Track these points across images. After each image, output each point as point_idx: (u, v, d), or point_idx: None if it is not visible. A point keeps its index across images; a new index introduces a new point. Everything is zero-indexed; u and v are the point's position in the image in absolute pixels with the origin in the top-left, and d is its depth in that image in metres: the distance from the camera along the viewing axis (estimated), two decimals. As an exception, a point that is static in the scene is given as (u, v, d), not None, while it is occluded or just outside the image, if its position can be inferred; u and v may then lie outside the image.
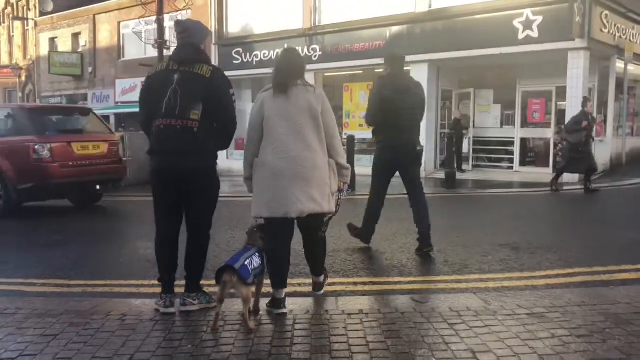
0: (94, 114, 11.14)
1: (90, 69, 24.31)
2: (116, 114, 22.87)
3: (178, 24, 3.88)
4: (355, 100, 16.26)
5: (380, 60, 15.35)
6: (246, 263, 3.40)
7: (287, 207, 3.59)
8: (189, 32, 3.79)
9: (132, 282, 4.74)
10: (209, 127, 3.66)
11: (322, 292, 4.09)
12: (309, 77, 17.17)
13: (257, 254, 3.57)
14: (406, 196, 5.69)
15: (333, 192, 3.80)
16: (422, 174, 15.04)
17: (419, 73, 14.83)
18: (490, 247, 5.65)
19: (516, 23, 13.20)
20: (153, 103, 3.67)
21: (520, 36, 13.14)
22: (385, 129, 5.43)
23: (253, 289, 3.48)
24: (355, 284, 4.47)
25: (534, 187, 11.92)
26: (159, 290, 3.88)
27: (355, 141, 17.12)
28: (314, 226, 3.80)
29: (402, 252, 5.58)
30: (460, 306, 3.65)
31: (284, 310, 3.62)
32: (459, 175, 13.37)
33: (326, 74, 17.40)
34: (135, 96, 22.27)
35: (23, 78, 28.57)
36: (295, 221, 3.75)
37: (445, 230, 6.88)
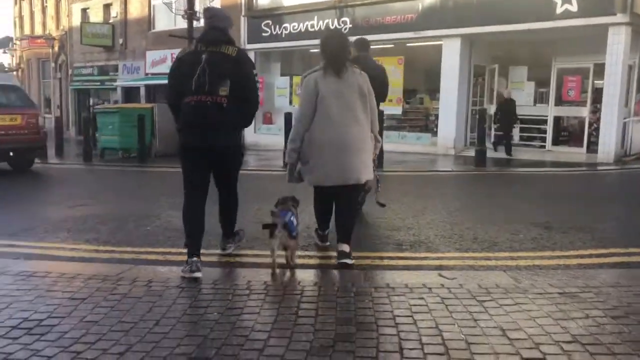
0: (22, 90, 12.51)
1: (121, 40, 24.41)
2: (146, 86, 23.01)
3: (207, 10, 4.28)
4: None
5: (411, 34, 15.17)
6: (292, 219, 3.94)
7: (346, 175, 4.08)
8: (217, 17, 4.14)
9: (159, 249, 4.78)
10: (235, 103, 3.94)
11: (349, 261, 4.11)
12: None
13: (293, 216, 4.01)
14: (432, 173, 5.61)
15: (371, 161, 4.31)
16: (452, 152, 14.93)
17: (451, 48, 14.55)
18: (521, 226, 5.51)
19: (555, -4, 12.75)
20: (183, 82, 3.91)
21: (559, 10, 12.69)
22: None
23: (296, 240, 4.02)
24: (382, 258, 4.41)
25: (567, 166, 11.63)
26: (185, 258, 3.92)
27: (384, 117, 17.05)
28: (355, 192, 4.32)
29: (429, 228, 5.48)
30: (490, 283, 3.57)
31: (327, 244, 4.66)
32: (490, 154, 13.14)
33: (356, 48, 17.13)
34: (164, 68, 22.38)
35: (56, 48, 28.85)
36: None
37: (475, 208, 6.76)
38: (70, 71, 27.55)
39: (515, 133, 15.09)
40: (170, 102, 4.13)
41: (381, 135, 9.47)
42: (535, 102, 14.99)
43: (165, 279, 3.77)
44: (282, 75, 19.24)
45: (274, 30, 18.42)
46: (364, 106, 4.14)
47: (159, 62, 22.33)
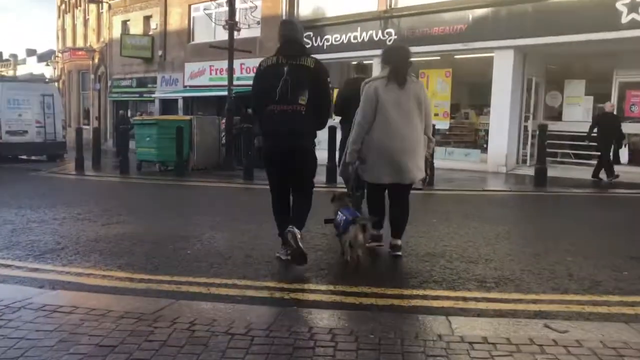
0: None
1: (160, 52, 24.34)
2: (184, 98, 22.80)
3: (285, 22, 4.82)
4: (432, 88, 15.28)
5: (460, 46, 14.43)
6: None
7: (403, 175, 4.58)
8: (296, 28, 4.56)
9: (202, 279, 4.16)
10: (312, 110, 4.34)
11: (400, 253, 4.77)
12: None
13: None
14: (489, 193, 4.92)
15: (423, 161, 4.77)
16: (503, 169, 14.08)
17: (503, 60, 13.76)
18: (619, 260, 4.72)
19: (619, 5, 11.88)
20: (266, 92, 4.33)
21: (624, 20, 11.82)
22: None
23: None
24: (465, 299, 3.69)
25: (636, 187, 10.68)
26: (230, 291, 3.84)
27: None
28: (408, 190, 4.79)
29: (511, 260, 4.75)
30: (615, 340, 2.83)
31: (380, 244, 5.01)
32: (523, 171, 12.23)
33: (401, 60, 16.48)
34: (203, 80, 22.19)
35: (96, 60, 29.09)
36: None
37: (553, 235, 5.98)
38: (109, 82, 27.64)
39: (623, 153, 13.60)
40: (255, 109, 4.68)
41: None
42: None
43: (210, 321, 3.14)
44: (322, 88, 18.69)
45: (316, 42, 17.93)
46: (419, 113, 4.62)
47: (197, 74, 22.12)
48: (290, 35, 4.49)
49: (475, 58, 14.96)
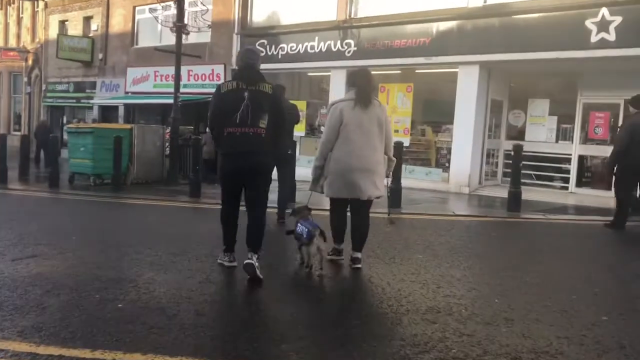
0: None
1: (100, 56, 22.70)
2: (125, 105, 21.26)
3: (247, 50, 5.05)
4: (392, 103, 14.55)
5: (423, 60, 13.78)
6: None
7: (362, 191, 4.88)
8: (252, 58, 4.84)
9: (136, 355, 3.03)
10: (271, 132, 4.70)
11: (360, 265, 5.09)
12: (341, 75, 15.48)
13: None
14: (464, 218, 3.97)
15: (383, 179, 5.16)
16: (465, 190, 13.47)
17: (468, 76, 13.18)
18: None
19: (589, 23, 11.47)
20: (226, 115, 4.60)
21: (593, 39, 11.41)
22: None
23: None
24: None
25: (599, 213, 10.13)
26: None
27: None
28: (366, 205, 5.06)
29: (537, 322, 3.82)
30: None
31: (341, 258, 5.28)
32: (486, 192, 11.64)
33: (359, 72, 15.69)
34: (146, 86, 20.73)
35: (30, 62, 27.01)
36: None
37: (569, 277, 5.14)
38: (43, 86, 25.66)
39: (534, 171, 13.64)
40: (215, 131, 4.85)
41: (400, 167, 9.35)
42: (557, 138, 13.63)
43: None
44: (275, 99, 17.70)
45: (270, 51, 16.93)
46: (380, 134, 4.96)
47: (140, 80, 20.68)
48: (251, 62, 4.80)
49: (438, 73, 14.35)
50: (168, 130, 15.03)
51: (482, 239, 7.46)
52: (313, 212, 5.18)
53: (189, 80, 18.91)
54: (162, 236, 6.40)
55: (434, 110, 15.74)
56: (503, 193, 13.06)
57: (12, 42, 28.99)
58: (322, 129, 13.05)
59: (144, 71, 20.42)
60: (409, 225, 8.00)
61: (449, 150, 13.96)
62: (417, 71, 14.61)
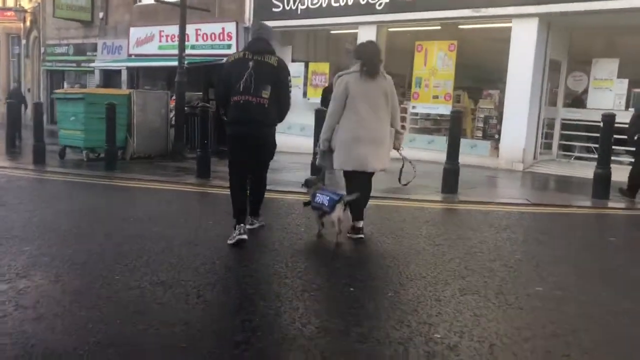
0: None
1: (101, 14, 20.72)
2: (128, 68, 19.36)
3: (256, 22, 5.88)
4: (430, 64, 12.54)
5: (469, 12, 11.72)
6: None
7: (366, 163, 4.92)
8: (264, 29, 5.03)
9: None
10: (274, 104, 4.79)
11: (362, 235, 5.06)
12: (370, 32, 13.45)
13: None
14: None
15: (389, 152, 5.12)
16: (519, 166, 11.59)
17: (524, 31, 11.11)
18: None
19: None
20: (232, 83, 4.73)
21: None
22: None
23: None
24: None
25: None
26: None
27: (418, 116, 13.63)
28: (370, 178, 5.12)
29: None
30: None
31: (362, 236, 5.05)
32: (542, 169, 9.75)
33: (392, 29, 13.64)
34: (151, 48, 18.79)
35: (28, 23, 25.12)
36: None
37: None
38: (42, 49, 23.80)
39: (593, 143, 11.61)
40: (220, 99, 5.00)
41: (457, 140, 8.01)
42: (627, 105, 11.58)
43: None
44: (293, 60, 15.71)
45: (287, 5, 14.90)
46: (386, 106, 4.96)
47: (144, 41, 18.73)
48: (259, 33, 4.93)
49: (487, 29, 12.29)
50: (173, 97, 13.29)
51: (610, 251, 5.48)
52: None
53: (197, 40, 16.96)
54: (151, 249, 4.60)
55: (477, 74, 13.74)
56: (562, 170, 11.19)
57: (10, 2, 27.05)
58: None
59: (148, 31, 18.46)
60: (482, 221, 6.17)
61: (500, 119, 11.99)
62: (460, 27, 12.54)
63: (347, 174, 5.09)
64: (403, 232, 5.47)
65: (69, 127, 10.98)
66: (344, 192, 4.89)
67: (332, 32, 15.13)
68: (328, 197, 4.69)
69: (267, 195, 5.42)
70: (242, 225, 4.76)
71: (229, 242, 4.69)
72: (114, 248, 4.56)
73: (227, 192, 5.05)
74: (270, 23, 15.40)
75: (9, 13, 25.84)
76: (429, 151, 12.46)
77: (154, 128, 11.62)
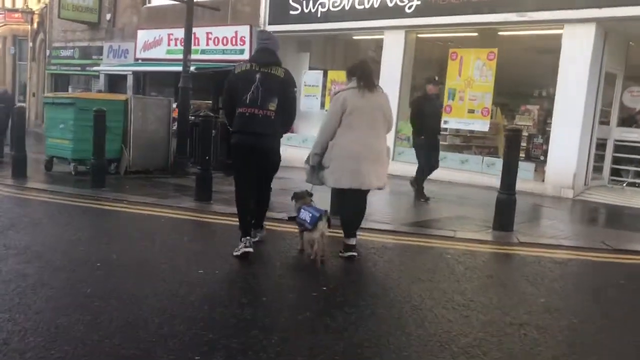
0: None
1: (108, 16, 19.60)
2: (135, 73, 18.15)
3: (263, 32, 5.73)
4: (466, 75, 11.14)
5: (511, 16, 10.32)
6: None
7: (365, 181, 4.77)
8: (271, 40, 4.99)
9: None
10: (280, 115, 4.77)
11: (355, 253, 4.88)
12: (398, 38, 12.11)
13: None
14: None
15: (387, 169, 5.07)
16: (569, 193, 10.12)
17: (577, 38, 9.69)
18: None
19: None
20: (238, 95, 4.73)
21: None
22: None
23: None
24: None
25: None
26: None
27: (447, 132, 12.22)
28: (365, 194, 4.99)
29: None
30: None
31: (354, 254, 4.86)
32: (594, 196, 8.28)
33: (421, 35, 12.28)
34: (159, 52, 17.56)
35: (35, 25, 24.11)
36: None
37: None
38: (47, 52, 22.73)
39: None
40: (227, 110, 5.05)
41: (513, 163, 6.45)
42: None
43: None
44: (311, 68, 14.42)
45: (306, 8, 13.60)
46: (384, 122, 4.91)
47: (152, 45, 17.54)
48: (266, 44, 4.90)
49: (530, 37, 10.90)
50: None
51: None
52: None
53: (207, 44, 15.74)
54: (106, 326, 3.23)
55: (513, 87, 12.35)
56: (616, 198, 9.71)
57: (18, 3, 26.08)
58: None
59: (156, 34, 17.26)
60: (562, 276, 4.71)
61: (546, 140, 10.53)
62: (500, 33, 11.15)
63: (340, 191, 5.04)
64: (459, 297, 4.01)
65: (57, 136, 9.70)
66: (327, 209, 4.73)
67: (354, 37, 13.79)
68: (310, 214, 4.53)
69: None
70: (248, 238, 4.73)
71: (235, 253, 4.69)
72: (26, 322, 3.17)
73: (230, 221, 4.98)
74: (287, 27, 14.33)
75: (16, 15, 24.84)
76: (463, 172, 11.05)
77: (154, 139, 10.29)
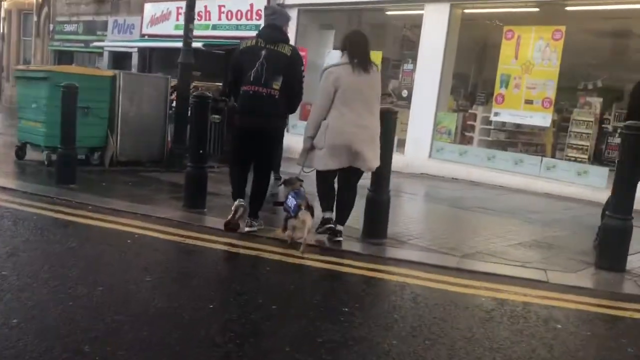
0: None
1: (115, -14, 17.93)
2: (140, 50, 16.45)
3: (268, 7, 5.48)
4: (524, 58, 9.24)
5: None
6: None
7: (363, 161, 4.50)
8: (277, 15, 4.81)
9: None
10: (285, 95, 4.59)
11: (341, 238, 4.67)
12: (441, 15, 10.23)
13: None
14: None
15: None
16: None
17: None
18: None
19: None
20: (243, 72, 4.59)
21: None
22: None
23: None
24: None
25: None
26: None
27: (491, 126, 10.38)
28: (359, 176, 4.73)
29: None
30: None
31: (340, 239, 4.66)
32: None
33: (468, 10, 10.35)
34: (167, 28, 15.80)
35: (40, -1, 22.56)
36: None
37: None
38: (51, 27, 21.14)
39: None
40: (231, 87, 4.94)
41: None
42: None
43: None
44: (335, 48, 12.54)
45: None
46: (377, 101, 4.61)
47: (160, 19, 15.87)
48: (273, 19, 4.72)
49: (607, 12, 8.96)
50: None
51: None
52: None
53: (219, 19, 14.04)
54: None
55: (572, 75, 10.44)
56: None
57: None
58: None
59: (164, 7, 15.55)
60: None
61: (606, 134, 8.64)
62: (568, 8, 9.22)
63: (326, 174, 4.70)
64: None
65: (30, 118, 8.02)
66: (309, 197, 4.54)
67: (387, 12, 11.89)
68: (295, 202, 4.32)
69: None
70: (241, 199, 4.78)
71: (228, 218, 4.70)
72: None
73: (225, 244, 4.38)
74: (309, 0, 12.64)
75: (21, -14, 23.31)
76: (516, 175, 9.19)
77: (147, 125, 8.57)
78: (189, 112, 7.69)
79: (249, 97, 4.53)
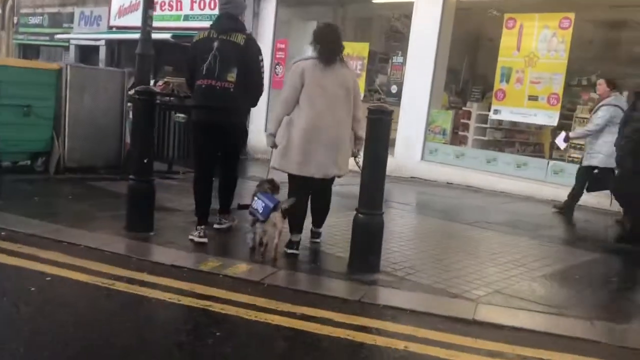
0: None
1: (81, -25, 16.69)
2: (108, 42, 15.26)
3: None
4: (527, 49, 8.27)
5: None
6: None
7: (315, 168, 4.13)
8: (231, 4, 4.52)
9: None
10: (242, 87, 4.36)
11: (319, 240, 4.57)
12: (433, 6, 9.22)
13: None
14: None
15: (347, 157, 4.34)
16: None
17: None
18: None
19: None
20: (197, 65, 4.38)
21: None
22: None
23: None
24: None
25: None
26: None
27: (487, 124, 9.42)
28: (327, 184, 4.37)
29: None
30: None
31: (296, 252, 4.24)
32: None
33: (464, -2, 9.37)
34: (134, 19, 14.61)
35: (5, -11, 21.23)
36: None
37: None
38: (15, 19, 19.84)
39: None
40: (189, 83, 4.63)
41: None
42: None
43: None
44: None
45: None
46: (347, 101, 4.21)
47: (128, 10, 14.70)
48: (226, 9, 4.50)
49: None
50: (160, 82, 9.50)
51: None
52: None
53: (192, 8, 12.96)
54: None
55: (576, 68, 9.49)
56: None
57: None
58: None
59: (132, -3, 14.37)
60: None
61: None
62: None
63: (297, 182, 4.26)
64: None
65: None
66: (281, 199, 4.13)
67: (374, 0, 10.85)
68: (264, 204, 3.96)
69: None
70: (203, 227, 4.38)
71: (190, 237, 4.34)
72: None
73: (168, 296, 3.21)
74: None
75: (-17, -24, 21.90)
76: (520, 180, 8.23)
77: (101, 125, 7.48)
78: (130, 113, 6.69)
79: (202, 91, 4.34)
